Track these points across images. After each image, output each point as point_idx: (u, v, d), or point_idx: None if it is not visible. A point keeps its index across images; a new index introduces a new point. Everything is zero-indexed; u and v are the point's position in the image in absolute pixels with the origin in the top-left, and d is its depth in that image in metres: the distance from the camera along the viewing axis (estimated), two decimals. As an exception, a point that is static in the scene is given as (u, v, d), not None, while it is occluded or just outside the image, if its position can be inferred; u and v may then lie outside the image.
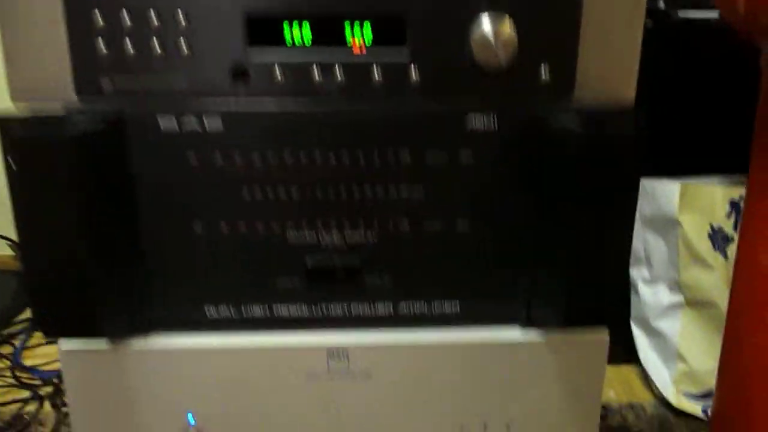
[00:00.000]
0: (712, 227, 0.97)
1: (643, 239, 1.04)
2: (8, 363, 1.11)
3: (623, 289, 0.46)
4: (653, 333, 1.03)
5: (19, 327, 1.22)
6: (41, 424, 0.98)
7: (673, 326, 1.02)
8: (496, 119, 0.43)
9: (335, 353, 0.47)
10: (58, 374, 1.04)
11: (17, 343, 1.16)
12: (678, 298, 0.99)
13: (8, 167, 0.42)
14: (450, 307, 0.48)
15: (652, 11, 0.93)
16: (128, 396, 0.47)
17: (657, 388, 1.01)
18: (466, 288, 0.47)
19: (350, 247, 0.46)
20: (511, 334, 0.48)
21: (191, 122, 0.43)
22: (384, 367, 0.48)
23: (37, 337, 1.20)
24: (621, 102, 0.44)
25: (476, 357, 0.48)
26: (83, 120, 0.41)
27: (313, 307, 0.47)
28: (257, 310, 0.47)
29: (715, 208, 0.96)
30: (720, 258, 0.96)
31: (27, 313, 1.27)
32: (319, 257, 0.46)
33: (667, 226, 0.99)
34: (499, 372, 0.48)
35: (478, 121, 0.43)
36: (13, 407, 0.99)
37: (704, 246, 0.97)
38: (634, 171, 0.42)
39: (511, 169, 0.45)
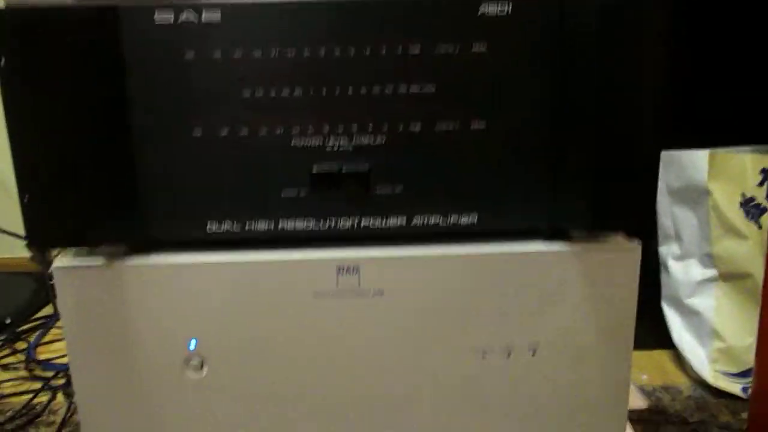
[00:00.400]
0: (743, 196, 0.94)
1: (672, 214, 1.00)
2: (22, 357, 1.10)
3: (652, 195, 0.43)
4: (686, 311, 0.99)
5: (35, 324, 1.22)
6: (52, 412, 0.96)
7: (707, 302, 0.97)
8: (509, 3, 0.41)
9: (345, 268, 0.44)
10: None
11: (32, 339, 1.16)
12: (711, 272, 0.95)
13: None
14: (467, 218, 0.44)
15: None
16: (126, 318, 0.44)
17: (693, 369, 0.96)
18: (484, 196, 0.44)
19: (358, 151, 0.43)
20: (535, 245, 0.45)
21: (187, 14, 0.40)
22: (397, 284, 0.44)
23: (52, 334, 1.20)
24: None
25: (497, 271, 0.44)
26: (75, 10, 0.39)
27: (321, 220, 0.44)
28: (262, 225, 0.44)
29: (746, 177, 0.93)
30: (754, 227, 0.92)
31: (43, 312, 1.27)
32: (326, 163, 0.43)
33: (696, 196, 0.95)
34: (522, 288, 0.45)
35: (490, 7, 0.41)
36: (26, 398, 0.98)
37: (736, 215, 0.93)
38: (662, 48, 0.39)
39: (528, 58, 0.42)
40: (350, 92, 0.42)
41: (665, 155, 0.93)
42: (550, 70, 0.42)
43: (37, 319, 1.24)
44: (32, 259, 1.41)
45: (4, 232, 1.28)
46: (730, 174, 0.93)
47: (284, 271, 0.44)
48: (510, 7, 0.41)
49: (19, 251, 1.39)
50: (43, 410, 0.95)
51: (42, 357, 1.10)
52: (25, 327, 1.20)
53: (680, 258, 1.00)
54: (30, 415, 0.95)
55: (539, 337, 0.45)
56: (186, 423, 0.46)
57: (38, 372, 1.06)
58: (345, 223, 0.44)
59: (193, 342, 0.45)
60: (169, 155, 0.43)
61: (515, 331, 0.45)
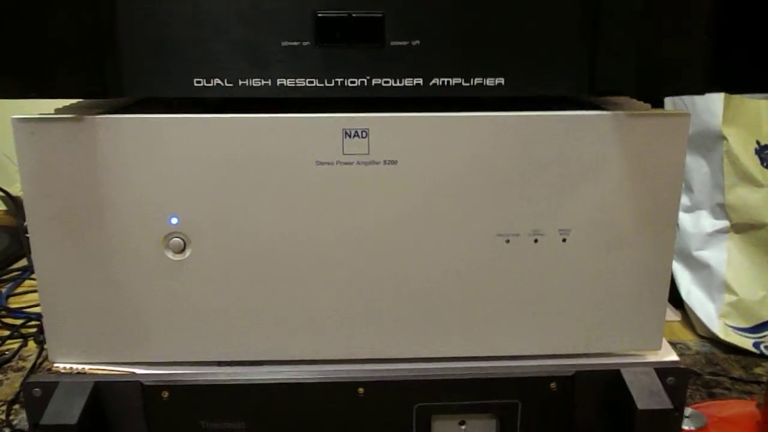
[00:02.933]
0: (759, 143, 0.90)
1: (682, 164, 0.96)
2: (-7, 306, 1.05)
3: (705, 55, 0.37)
4: (696, 265, 0.95)
5: (9, 276, 1.17)
6: (22, 359, 0.91)
7: (719, 254, 0.94)
8: None
9: (352, 131, 0.38)
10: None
11: (4, 289, 1.11)
12: (723, 223, 0.92)
13: None
14: (493, 80, 0.39)
15: None
16: (96, 184, 0.38)
17: (702, 324, 0.92)
18: (514, 54, 0.38)
19: (371, -2, 0.37)
20: (568, 112, 0.39)
21: None
22: (412, 151, 0.39)
23: (26, 285, 1.15)
24: None
25: (526, 139, 0.39)
26: None
27: (325, 77, 0.39)
28: (257, 81, 0.38)
29: (761, 123, 0.90)
30: (769, 175, 0.89)
31: (18, 264, 1.22)
32: (333, 6, 0.37)
33: (710, 143, 0.92)
34: (553, 161, 0.39)
35: None
36: (-6, 345, 0.93)
37: (751, 162, 0.90)
38: None
39: None
40: None
41: (678, 102, 0.89)
42: None
43: (11, 271, 1.19)
44: (7, 212, 1.35)
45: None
46: (745, 120, 0.90)
47: (282, 133, 0.38)
48: None
49: (-7, 205, 1.33)
50: (13, 356, 0.90)
51: (14, 307, 1.05)
52: (-2, 278, 1.15)
53: (690, 209, 0.97)
54: (-2, 360, 0.89)
55: (571, 220, 0.40)
56: (163, 310, 0.40)
57: (9, 320, 1.00)
58: (353, 81, 0.38)
59: (174, 217, 0.39)
60: (152, -8, 0.36)
61: (544, 212, 0.40)
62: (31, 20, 0.35)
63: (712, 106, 0.90)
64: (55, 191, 0.38)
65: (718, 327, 0.90)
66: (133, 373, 0.42)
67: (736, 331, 0.90)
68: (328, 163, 0.39)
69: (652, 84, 0.37)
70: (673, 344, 0.92)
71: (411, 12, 0.38)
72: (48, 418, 0.38)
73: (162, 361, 0.42)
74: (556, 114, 0.39)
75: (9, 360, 0.89)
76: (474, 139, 0.39)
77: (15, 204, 1.28)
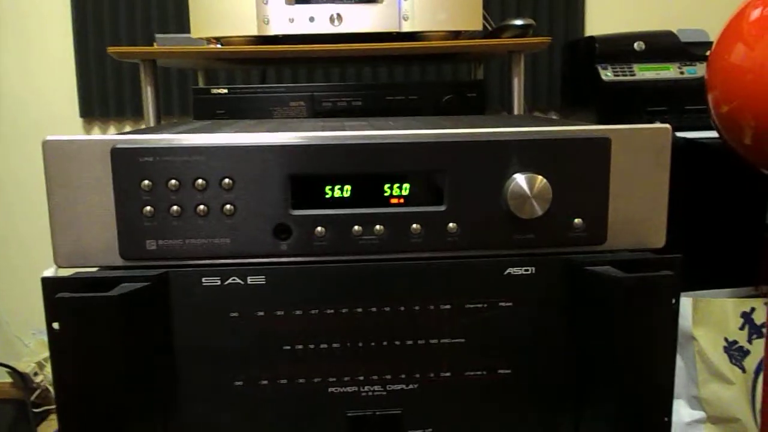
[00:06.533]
0: (726, 341, 0.97)
1: (659, 354, 1.03)
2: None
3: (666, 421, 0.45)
4: (676, 453, 1.00)
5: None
6: None
7: (697, 443, 0.99)
8: (533, 265, 0.44)
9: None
10: None
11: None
12: (699, 414, 0.97)
13: (50, 329, 0.42)
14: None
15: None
16: None
17: None
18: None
19: (391, 396, 0.45)
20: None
21: (234, 278, 0.43)
22: None
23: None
24: (651, 247, 0.46)
25: None
26: (127, 281, 0.41)
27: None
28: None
29: (728, 322, 0.96)
30: (738, 371, 0.95)
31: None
32: (360, 407, 0.45)
33: (683, 341, 0.98)
34: None
35: (516, 269, 0.44)
36: None
37: (721, 360, 0.96)
38: (673, 309, 0.43)
39: (551, 311, 0.45)
40: (385, 345, 0.45)
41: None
42: (572, 321, 0.45)
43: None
44: (13, 385, 1.38)
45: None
46: (713, 320, 0.96)
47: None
48: (534, 270, 0.44)
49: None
50: None
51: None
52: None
53: (668, 398, 1.02)
54: None
55: None
56: None
57: None
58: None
59: None
60: (210, 401, 0.44)
61: None
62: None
63: (682, 309, 0.97)
64: None
65: None
66: None
67: None
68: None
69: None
70: None
71: (424, 410, 0.46)
72: None
73: None
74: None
75: None
76: None
77: (22, 379, 1.32)
